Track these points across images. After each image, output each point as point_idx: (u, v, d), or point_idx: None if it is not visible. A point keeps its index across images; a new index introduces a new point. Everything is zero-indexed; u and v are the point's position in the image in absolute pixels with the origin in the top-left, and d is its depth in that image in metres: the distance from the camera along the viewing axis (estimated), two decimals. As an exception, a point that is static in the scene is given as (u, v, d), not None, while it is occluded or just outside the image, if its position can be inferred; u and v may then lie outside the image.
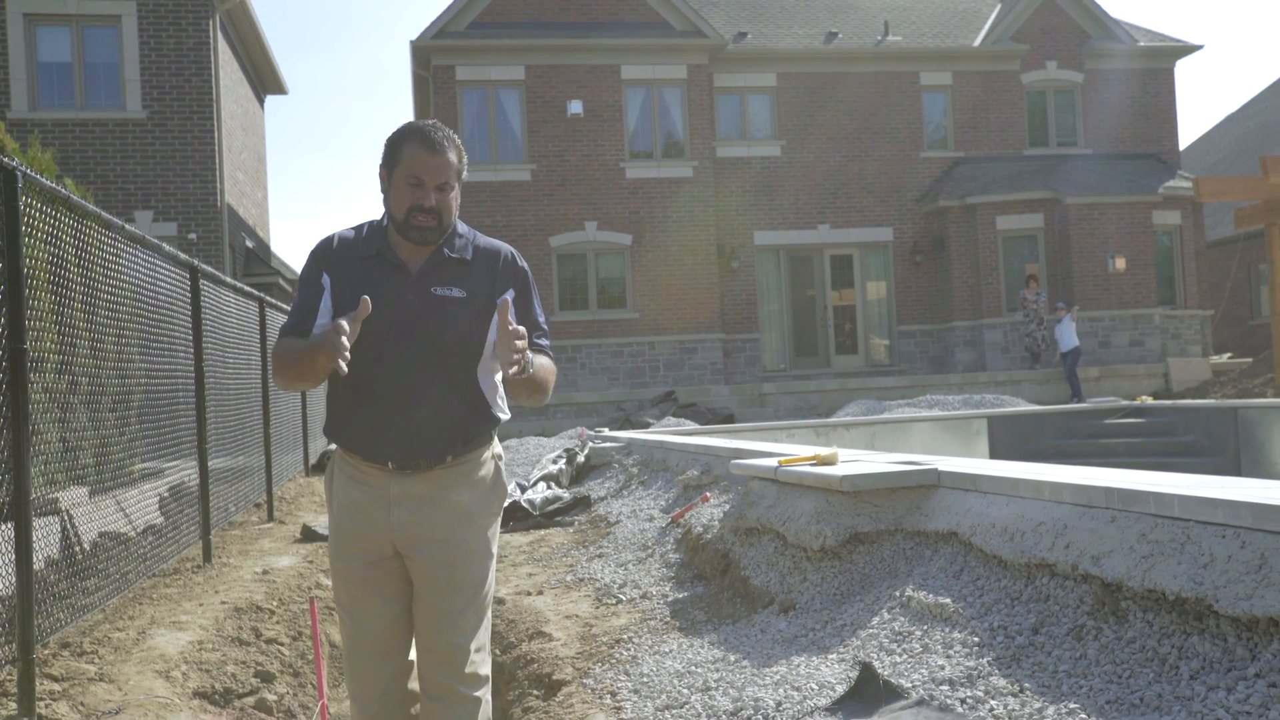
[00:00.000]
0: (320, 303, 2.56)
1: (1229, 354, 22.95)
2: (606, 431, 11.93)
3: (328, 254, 2.61)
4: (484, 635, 2.65)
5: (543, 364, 2.59)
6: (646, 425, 14.47)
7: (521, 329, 2.39)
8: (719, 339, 19.55)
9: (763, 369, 20.26)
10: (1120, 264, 19.44)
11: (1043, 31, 21.36)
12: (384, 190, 2.57)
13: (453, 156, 2.53)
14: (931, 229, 20.69)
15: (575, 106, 19.02)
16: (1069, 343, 17.29)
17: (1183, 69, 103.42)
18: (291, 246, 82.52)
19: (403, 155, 2.51)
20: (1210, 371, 18.68)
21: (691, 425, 14.08)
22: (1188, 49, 21.92)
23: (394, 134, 2.56)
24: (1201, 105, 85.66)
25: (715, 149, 20.03)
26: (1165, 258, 20.56)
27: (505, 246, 2.71)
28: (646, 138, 19.69)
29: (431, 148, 2.50)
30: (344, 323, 2.34)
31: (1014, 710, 2.62)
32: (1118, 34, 21.50)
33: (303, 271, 2.67)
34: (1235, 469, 11.17)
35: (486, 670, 2.64)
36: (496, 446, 2.74)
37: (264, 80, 21.90)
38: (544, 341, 2.68)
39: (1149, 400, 14.09)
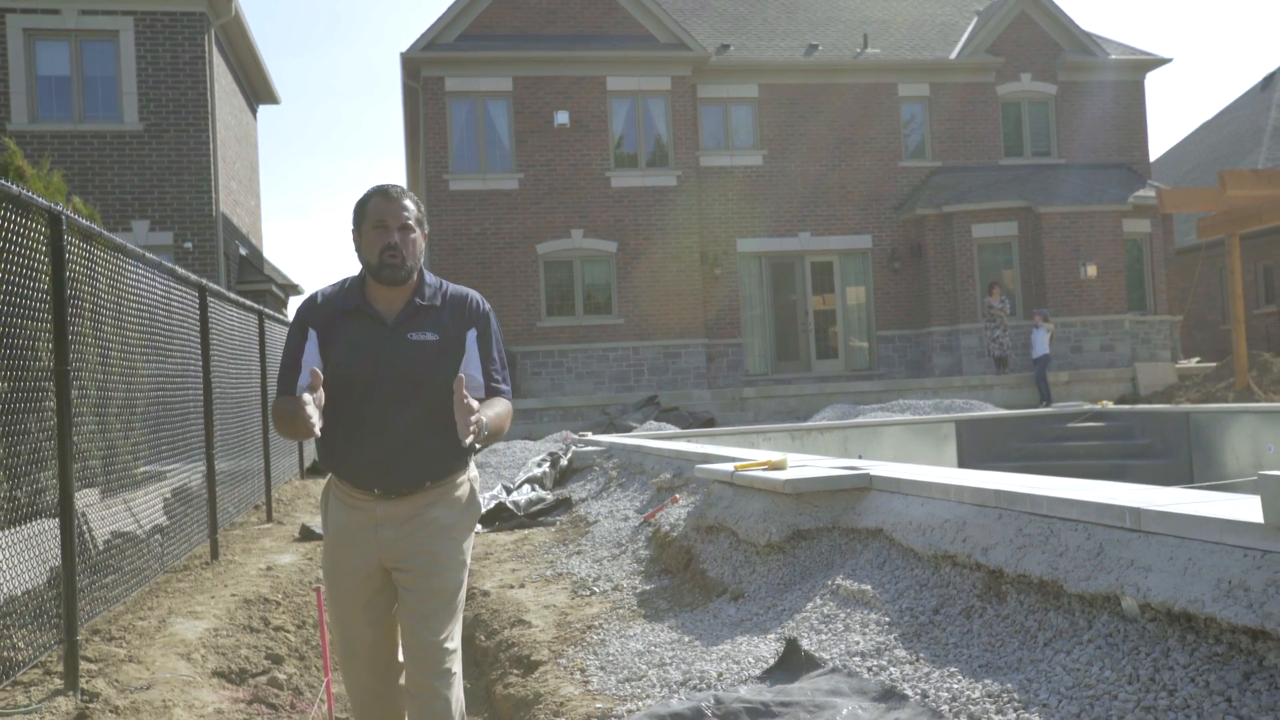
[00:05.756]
0: (303, 356, 2.88)
1: (1197, 358, 23.58)
2: (589, 435, 12.43)
3: (312, 312, 2.95)
4: (457, 637, 3.00)
5: (496, 414, 2.83)
6: (629, 429, 14.97)
7: (474, 404, 2.65)
8: (703, 344, 20.08)
9: (745, 373, 20.79)
10: (1092, 271, 20.07)
11: (1017, 45, 21.98)
12: (356, 248, 2.92)
13: (410, 204, 2.89)
14: (909, 236, 21.28)
15: (562, 117, 19.55)
16: (1040, 349, 17.88)
17: (1153, 81, 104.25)
18: (284, 249, 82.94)
19: (367, 209, 2.88)
20: (1176, 376, 19.29)
21: (672, 429, 14.58)
22: (1158, 61, 22.57)
23: (359, 199, 2.94)
24: (1171, 117, 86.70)
25: (699, 158, 20.58)
26: (1135, 265, 21.19)
27: (473, 293, 3.04)
28: (631, 147, 20.23)
29: (389, 196, 2.88)
30: (306, 395, 2.63)
31: (907, 674, 3.16)
32: (1090, 47, 22.13)
33: (289, 330, 2.99)
34: (1187, 469, 11.75)
35: (457, 668, 3.00)
36: (472, 470, 3.07)
37: (257, 90, 22.37)
38: (501, 383, 2.97)
39: (1109, 405, 14.68)
